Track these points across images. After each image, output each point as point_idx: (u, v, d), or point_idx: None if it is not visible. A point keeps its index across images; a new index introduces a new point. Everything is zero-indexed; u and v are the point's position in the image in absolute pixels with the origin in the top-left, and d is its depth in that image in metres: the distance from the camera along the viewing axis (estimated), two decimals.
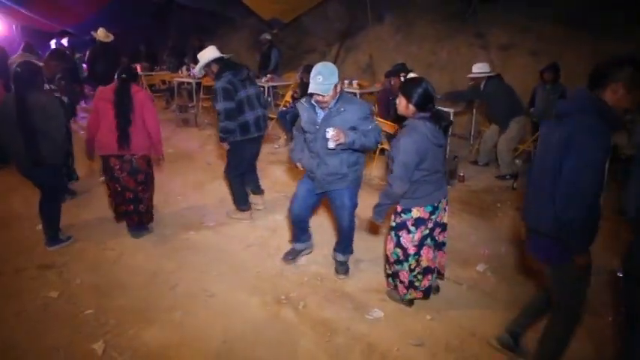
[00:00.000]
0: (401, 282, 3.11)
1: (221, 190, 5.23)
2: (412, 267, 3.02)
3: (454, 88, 7.72)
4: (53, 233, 3.92)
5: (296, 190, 3.50)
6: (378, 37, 9.85)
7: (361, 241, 4.19)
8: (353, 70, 10.08)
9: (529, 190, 2.40)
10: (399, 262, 3.05)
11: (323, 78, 2.93)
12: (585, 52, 6.71)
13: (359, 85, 8.22)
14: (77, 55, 10.51)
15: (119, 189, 3.97)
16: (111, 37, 7.97)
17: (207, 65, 4.11)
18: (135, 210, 4.05)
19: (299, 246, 3.76)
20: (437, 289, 3.32)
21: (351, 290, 3.40)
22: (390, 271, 3.19)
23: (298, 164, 3.46)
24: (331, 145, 2.96)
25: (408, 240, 2.95)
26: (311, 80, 2.97)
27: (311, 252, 3.85)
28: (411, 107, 2.78)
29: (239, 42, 11.58)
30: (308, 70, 6.63)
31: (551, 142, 2.17)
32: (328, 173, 3.21)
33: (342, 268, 3.59)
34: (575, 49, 6.99)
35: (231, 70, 4.05)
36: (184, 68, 9.32)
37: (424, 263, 3.03)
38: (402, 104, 2.84)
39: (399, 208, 2.95)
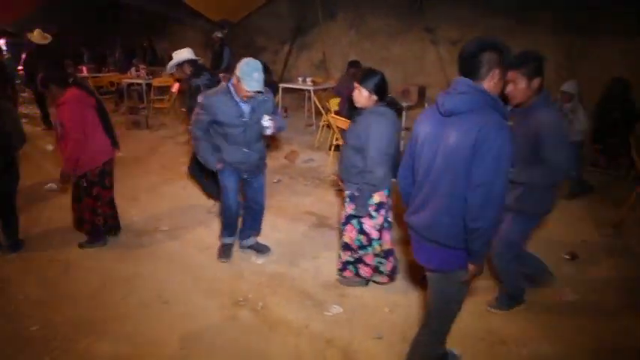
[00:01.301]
0: (367, 265, 3.21)
1: (176, 193, 5.11)
2: (376, 251, 3.15)
3: (407, 82, 7.86)
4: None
5: (225, 185, 3.54)
6: (330, 33, 9.89)
7: (320, 237, 4.22)
8: (306, 67, 10.08)
9: (413, 194, 2.16)
10: (362, 247, 3.15)
11: (259, 74, 3.06)
12: (530, 45, 6.94)
13: (313, 81, 8.21)
14: (6, 56, 9.96)
15: (112, 195, 3.96)
16: (48, 39, 7.57)
17: (180, 65, 4.31)
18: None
19: (231, 239, 3.82)
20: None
21: (310, 288, 3.40)
22: (351, 259, 3.24)
23: (218, 165, 3.43)
24: (269, 131, 3.28)
25: (371, 225, 3.05)
26: (247, 78, 3.04)
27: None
28: (373, 97, 2.88)
29: (190, 41, 11.32)
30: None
31: (445, 143, 1.93)
32: (259, 158, 3.51)
33: (266, 247, 3.87)
34: (520, 42, 7.22)
35: (207, 71, 4.42)
36: (133, 69, 9.04)
37: (385, 246, 3.17)
38: (363, 95, 2.89)
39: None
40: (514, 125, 2.57)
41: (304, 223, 4.52)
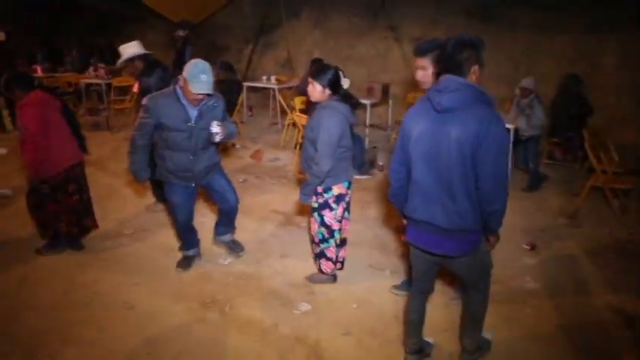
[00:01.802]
0: (328, 259, 3.27)
1: (139, 195, 5.00)
2: (337, 242, 3.24)
3: (371, 80, 7.94)
4: None
5: (171, 200, 3.37)
6: (295, 32, 9.88)
7: (288, 236, 4.22)
8: (271, 66, 10.04)
9: (418, 192, 2.22)
10: (324, 240, 3.20)
11: (207, 76, 2.90)
12: (489, 43, 7.15)
13: (277, 80, 8.19)
14: None
15: (85, 198, 3.82)
16: (1, 37, 7.26)
17: (131, 60, 4.08)
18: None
19: (193, 252, 3.68)
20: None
21: (278, 287, 3.39)
22: (317, 251, 3.30)
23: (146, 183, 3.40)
24: (218, 138, 3.06)
25: (331, 217, 3.12)
26: (194, 80, 2.87)
27: (201, 258, 3.75)
28: (327, 91, 2.95)
29: (151, 40, 11.06)
30: (225, 67, 6.54)
31: (448, 139, 2.04)
32: (205, 166, 3.28)
33: (239, 246, 3.82)
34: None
35: (161, 67, 4.15)
36: (91, 69, 8.77)
37: (343, 235, 3.33)
38: (317, 90, 2.97)
39: (319, 189, 3.06)
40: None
41: (271, 222, 4.50)
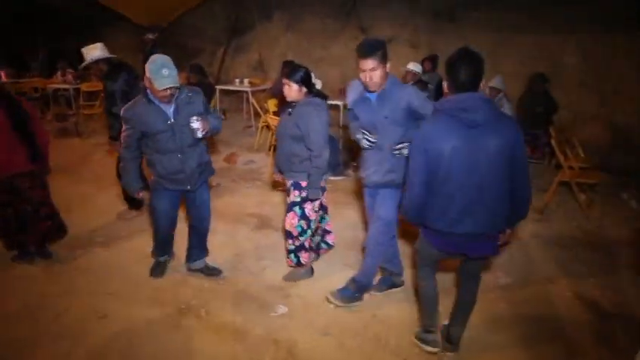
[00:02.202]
0: (307, 250, 3.38)
1: (111, 202, 4.90)
2: (313, 232, 3.40)
3: (345, 80, 7.98)
4: None
5: (155, 206, 3.29)
6: (267, 34, 9.85)
7: (264, 239, 4.21)
8: (244, 69, 9.99)
9: (454, 206, 2.28)
10: (303, 232, 3.30)
11: (169, 69, 2.82)
12: (456, 43, 7.30)
13: (250, 83, 8.15)
14: None
15: (30, 209, 3.56)
16: None
17: (95, 63, 3.98)
18: (54, 224, 3.77)
19: (165, 257, 3.64)
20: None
21: (254, 290, 3.38)
22: (293, 247, 3.35)
23: (140, 194, 3.27)
24: (200, 134, 3.00)
25: (311, 209, 3.26)
26: (156, 77, 2.79)
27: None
28: (303, 89, 3.08)
29: (122, 44, 10.85)
30: (195, 70, 6.47)
31: (486, 152, 2.17)
32: (197, 164, 3.16)
33: (217, 270, 3.60)
34: (449, 40, 7.57)
35: (126, 70, 4.05)
36: (59, 73, 8.56)
37: (326, 226, 3.64)
38: (293, 89, 3.08)
39: (303, 183, 3.17)
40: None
41: (247, 225, 4.48)
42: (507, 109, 5.37)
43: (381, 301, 3.24)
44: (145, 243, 4.01)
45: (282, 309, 3.13)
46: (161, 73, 2.78)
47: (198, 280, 3.49)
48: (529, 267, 3.77)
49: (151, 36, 8.70)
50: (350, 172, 5.91)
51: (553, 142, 4.97)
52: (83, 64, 4.03)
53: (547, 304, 3.27)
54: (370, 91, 2.84)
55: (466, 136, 2.18)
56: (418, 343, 2.75)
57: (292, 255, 3.39)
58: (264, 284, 3.45)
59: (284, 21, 9.79)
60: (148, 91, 2.96)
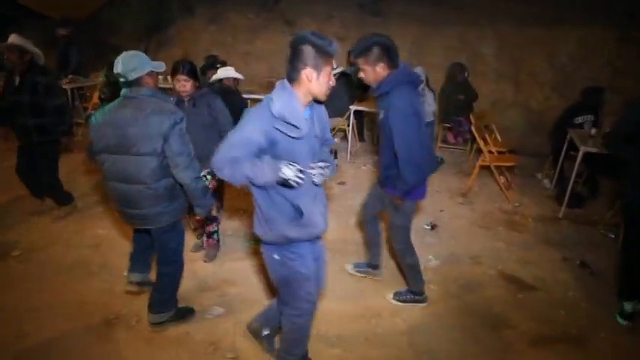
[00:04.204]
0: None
1: (20, 209, 4.53)
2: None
3: (272, 75, 7.92)
4: None
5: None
6: (190, 29, 9.55)
7: (191, 239, 4.07)
8: (167, 65, 9.58)
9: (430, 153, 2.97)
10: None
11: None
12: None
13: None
14: None
15: None
16: None
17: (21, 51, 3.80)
18: None
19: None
20: None
21: (188, 294, 3.26)
22: (217, 228, 3.67)
23: None
24: None
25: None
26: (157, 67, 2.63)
27: None
28: (195, 82, 3.31)
29: (30, 39, 10.10)
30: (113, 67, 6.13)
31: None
32: None
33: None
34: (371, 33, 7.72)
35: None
36: None
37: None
38: (189, 84, 3.26)
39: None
40: None
41: None
42: (430, 98, 5.57)
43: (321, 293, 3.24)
44: (66, 254, 3.77)
45: (218, 310, 3.07)
46: (152, 63, 2.66)
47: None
48: (456, 248, 3.95)
49: (63, 32, 8.09)
50: None
51: (473, 128, 5.23)
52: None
53: (474, 283, 3.45)
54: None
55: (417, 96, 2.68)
56: None
57: (215, 235, 3.69)
58: (198, 286, 3.35)
59: (206, 16, 9.53)
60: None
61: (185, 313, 2.98)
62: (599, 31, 6.48)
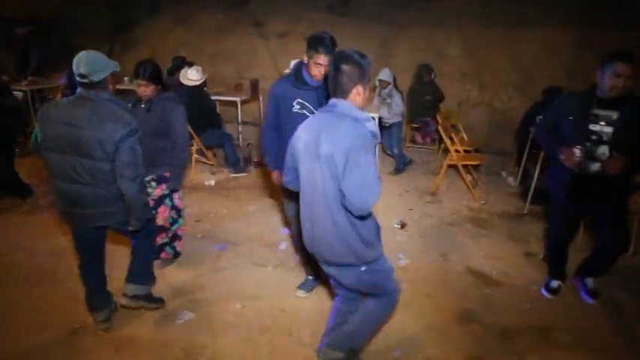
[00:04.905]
0: (180, 239, 3.57)
1: None
2: (184, 220, 3.60)
3: (241, 76, 7.88)
4: None
5: None
6: (157, 30, 9.41)
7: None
8: (133, 67, 9.41)
9: None
10: (175, 221, 3.47)
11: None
12: (349, 36, 7.53)
13: None
14: None
15: None
16: None
17: None
18: None
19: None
20: None
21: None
22: (167, 239, 3.48)
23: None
24: None
25: (178, 197, 3.45)
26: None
27: None
28: (158, 87, 3.19)
29: None
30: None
31: None
32: None
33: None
34: (341, 34, 7.73)
35: None
36: None
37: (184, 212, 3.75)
38: (150, 88, 3.13)
39: (168, 175, 3.28)
40: None
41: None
42: (398, 98, 5.65)
43: (293, 295, 3.25)
44: (25, 262, 3.65)
45: (188, 315, 3.02)
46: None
47: None
48: (425, 246, 4.02)
49: (21, 31, 7.82)
50: (251, 168, 5.85)
51: (440, 128, 5.33)
52: None
53: (443, 279, 3.52)
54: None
55: None
56: None
57: (168, 247, 3.52)
58: (166, 290, 3.27)
59: (173, 15, 9.40)
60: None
61: (158, 301, 3.05)
62: (558, 32, 6.71)
